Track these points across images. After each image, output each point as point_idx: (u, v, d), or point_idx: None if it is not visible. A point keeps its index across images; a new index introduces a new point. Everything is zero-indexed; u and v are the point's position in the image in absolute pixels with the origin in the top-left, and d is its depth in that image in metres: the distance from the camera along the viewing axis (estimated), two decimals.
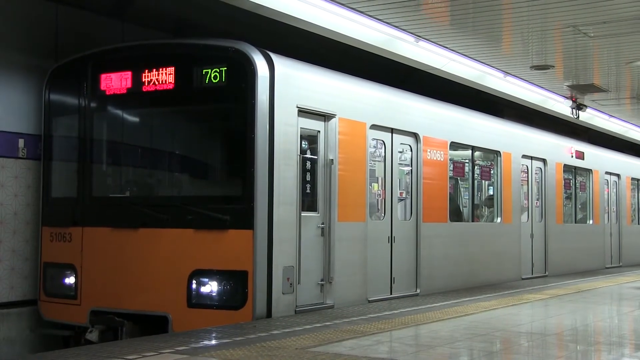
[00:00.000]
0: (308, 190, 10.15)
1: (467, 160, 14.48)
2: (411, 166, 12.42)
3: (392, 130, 11.86)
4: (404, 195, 12.40)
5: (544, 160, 17.34)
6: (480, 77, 15.02)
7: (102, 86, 10.35)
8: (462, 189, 14.81)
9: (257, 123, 9.23)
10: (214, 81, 9.46)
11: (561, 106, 18.04)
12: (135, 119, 10.89)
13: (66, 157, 10.81)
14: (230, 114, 9.95)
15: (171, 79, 9.80)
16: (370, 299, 11.10)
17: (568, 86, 16.39)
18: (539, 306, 11.70)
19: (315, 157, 10.28)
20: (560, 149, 18.42)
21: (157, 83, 9.87)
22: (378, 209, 11.79)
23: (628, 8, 10.62)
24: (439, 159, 12.96)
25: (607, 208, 21.52)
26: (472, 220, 14.72)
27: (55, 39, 11.12)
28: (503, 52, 13.44)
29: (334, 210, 10.35)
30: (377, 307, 10.66)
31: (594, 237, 20.64)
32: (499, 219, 15.32)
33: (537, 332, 9.27)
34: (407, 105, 12.46)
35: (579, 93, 17.09)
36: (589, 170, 20.17)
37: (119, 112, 10.68)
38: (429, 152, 12.66)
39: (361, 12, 10.85)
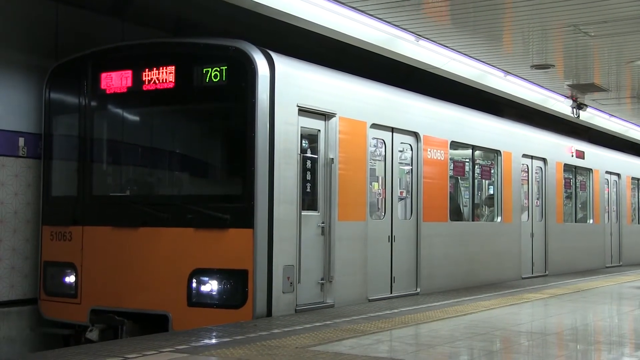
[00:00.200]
0: (308, 190, 10.15)
1: (467, 160, 14.48)
2: (411, 165, 12.42)
3: (392, 130, 11.86)
4: (404, 194, 12.40)
5: (544, 160, 17.34)
6: (481, 77, 15.02)
7: (103, 85, 10.35)
8: (462, 188, 14.81)
9: (258, 122, 9.23)
10: (214, 80, 9.46)
11: (561, 105, 18.05)
12: (136, 118, 10.89)
13: (66, 155, 10.81)
14: (230, 113, 9.95)
15: (171, 78, 9.80)
16: (370, 298, 11.10)
17: (568, 85, 16.40)
18: (539, 305, 11.70)
19: (316, 156, 10.28)
20: (560, 149, 18.41)
21: (157, 82, 9.87)
22: (378, 208, 11.79)
23: (628, 7, 10.62)
24: (439, 158, 12.95)
25: (607, 207, 21.52)
26: (473, 220, 14.72)
27: (56, 38, 11.12)
28: (504, 51, 13.44)
29: (334, 210, 10.35)
30: (377, 306, 10.66)
31: (594, 236, 20.64)
32: (499, 219, 15.32)
33: (537, 332, 9.27)
34: (407, 104, 12.46)
35: (580, 92, 17.10)
36: (589, 170, 20.16)
37: (119, 111, 10.68)
38: (430, 151, 12.66)
39: (362, 11, 10.86)
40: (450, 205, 13.32)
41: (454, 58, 13.56)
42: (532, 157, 16.81)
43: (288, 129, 9.63)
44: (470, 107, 14.68)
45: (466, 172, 14.43)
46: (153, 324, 9.48)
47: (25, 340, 10.56)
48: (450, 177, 13.50)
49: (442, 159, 13.06)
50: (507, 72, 15.06)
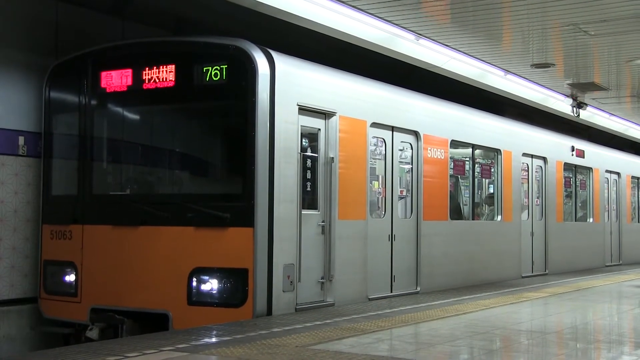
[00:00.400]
0: (308, 188, 10.15)
1: (467, 159, 14.48)
2: (412, 164, 12.42)
3: (392, 128, 11.85)
4: (404, 193, 12.40)
5: (544, 159, 17.34)
6: (481, 76, 15.02)
7: (103, 84, 10.35)
8: (462, 187, 14.82)
9: (258, 121, 9.23)
10: (214, 79, 9.46)
11: (561, 104, 18.05)
12: (136, 117, 10.89)
13: (66, 154, 10.81)
14: (230, 112, 9.94)
15: (172, 76, 9.79)
16: (370, 297, 11.10)
17: (568, 84, 16.39)
18: (539, 304, 11.70)
19: (316, 155, 10.28)
20: (560, 147, 18.41)
21: (157, 81, 9.87)
22: (378, 207, 11.79)
23: (628, 6, 10.62)
24: (439, 157, 12.95)
25: (607, 206, 21.52)
26: (473, 219, 14.72)
27: (56, 36, 11.12)
28: (504, 50, 13.44)
29: (335, 208, 10.35)
30: (377, 305, 10.66)
31: (594, 235, 20.64)
32: (499, 217, 15.32)
33: (537, 330, 9.27)
34: (407, 103, 12.46)
35: (580, 91, 17.10)
36: (589, 169, 20.17)
37: (119, 109, 10.68)
38: (430, 150, 12.66)
39: (362, 9, 10.85)
40: (450, 204, 13.32)
41: (454, 57, 13.55)
42: (532, 156, 16.81)
43: (288, 128, 9.63)
44: (471, 106, 14.67)
45: (466, 171, 14.43)
46: (153, 323, 9.48)
47: (25, 339, 10.56)
48: (451, 176, 13.50)
49: (442, 157, 13.06)
50: (507, 71, 15.06)
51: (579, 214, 20.16)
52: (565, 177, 18.63)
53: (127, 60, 10.22)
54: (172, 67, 9.79)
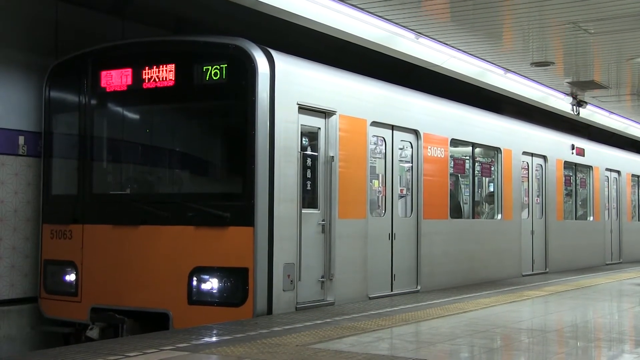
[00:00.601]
0: (308, 187, 10.15)
1: (467, 157, 14.48)
2: (412, 163, 12.42)
3: (392, 127, 11.85)
4: (404, 192, 12.40)
5: (544, 157, 17.34)
6: (481, 74, 15.01)
7: (103, 83, 10.35)
8: (462, 186, 14.81)
9: (258, 120, 9.23)
10: (214, 78, 9.46)
11: (561, 103, 18.04)
12: (136, 116, 10.89)
13: (66, 154, 10.80)
14: (230, 111, 9.94)
15: (171, 76, 9.79)
16: (370, 296, 11.10)
17: (568, 83, 16.38)
18: (540, 303, 11.71)
19: (316, 154, 10.28)
20: (560, 146, 18.41)
21: (157, 80, 9.87)
22: (378, 205, 11.79)
23: (628, 5, 10.61)
24: (439, 155, 12.95)
25: (607, 205, 21.52)
26: (473, 217, 14.72)
27: (55, 36, 11.11)
28: (503, 48, 13.43)
29: (335, 207, 10.35)
30: (377, 303, 10.66)
31: (595, 233, 20.64)
32: (499, 216, 15.32)
33: (538, 329, 9.27)
34: (407, 102, 12.46)
35: (579, 90, 17.08)
36: (589, 167, 20.17)
37: (119, 109, 10.68)
38: (430, 149, 12.66)
39: (361, 8, 10.85)
40: (450, 202, 13.32)
41: (454, 55, 13.55)
42: (532, 155, 16.81)
43: (288, 127, 9.63)
44: (471, 105, 14.67)
45: (466, 170, 14.43)
46: (153, 322, 9.48)
47: (25, 338, 10.56)
48: (451, 174, 13.50)
49: (443, 156, 13.06)
50: (507, 70, 15.05)
51: (579, 213, 20.16)
52: (565, 176, 18.64)
53: (127, 59, 10.22)
54: (172, 67, 9.79)
